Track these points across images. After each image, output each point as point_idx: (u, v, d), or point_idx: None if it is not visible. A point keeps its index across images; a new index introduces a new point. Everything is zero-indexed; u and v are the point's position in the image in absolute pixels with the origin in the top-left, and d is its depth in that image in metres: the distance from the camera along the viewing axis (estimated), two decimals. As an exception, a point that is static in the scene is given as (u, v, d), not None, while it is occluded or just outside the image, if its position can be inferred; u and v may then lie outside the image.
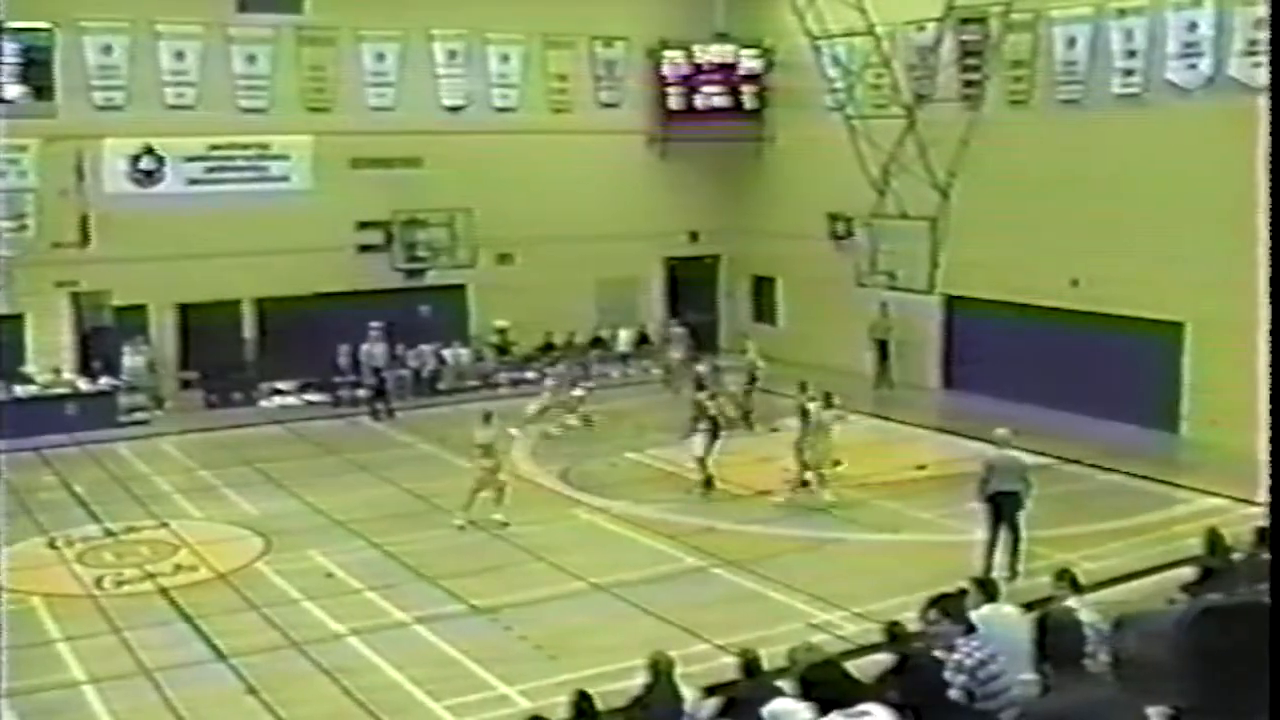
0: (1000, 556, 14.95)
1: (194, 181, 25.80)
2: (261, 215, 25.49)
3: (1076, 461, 20.08)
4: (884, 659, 8.70)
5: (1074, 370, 22.71)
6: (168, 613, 14.81)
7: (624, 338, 29.79)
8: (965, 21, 24.12)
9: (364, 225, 26.89)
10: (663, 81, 29.94)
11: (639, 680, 9.43)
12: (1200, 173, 20.32)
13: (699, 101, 30.05)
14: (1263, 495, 13.57)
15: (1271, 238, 13.19)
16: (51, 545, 17.29)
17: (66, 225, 24.11)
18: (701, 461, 19.51)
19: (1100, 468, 20.04)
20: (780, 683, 8.07)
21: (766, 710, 7.02)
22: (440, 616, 14.49)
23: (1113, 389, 21.96)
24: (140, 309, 25.33)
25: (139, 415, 24.43)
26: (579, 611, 14.66)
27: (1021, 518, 15.13)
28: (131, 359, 24.97)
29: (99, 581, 15.84)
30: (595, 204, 28.44)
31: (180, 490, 20.11)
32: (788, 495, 18.72)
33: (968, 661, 7.80)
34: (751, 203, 30.24)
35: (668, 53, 29.90)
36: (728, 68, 30.12)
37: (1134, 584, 14.22)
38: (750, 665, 9.04)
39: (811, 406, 19.14)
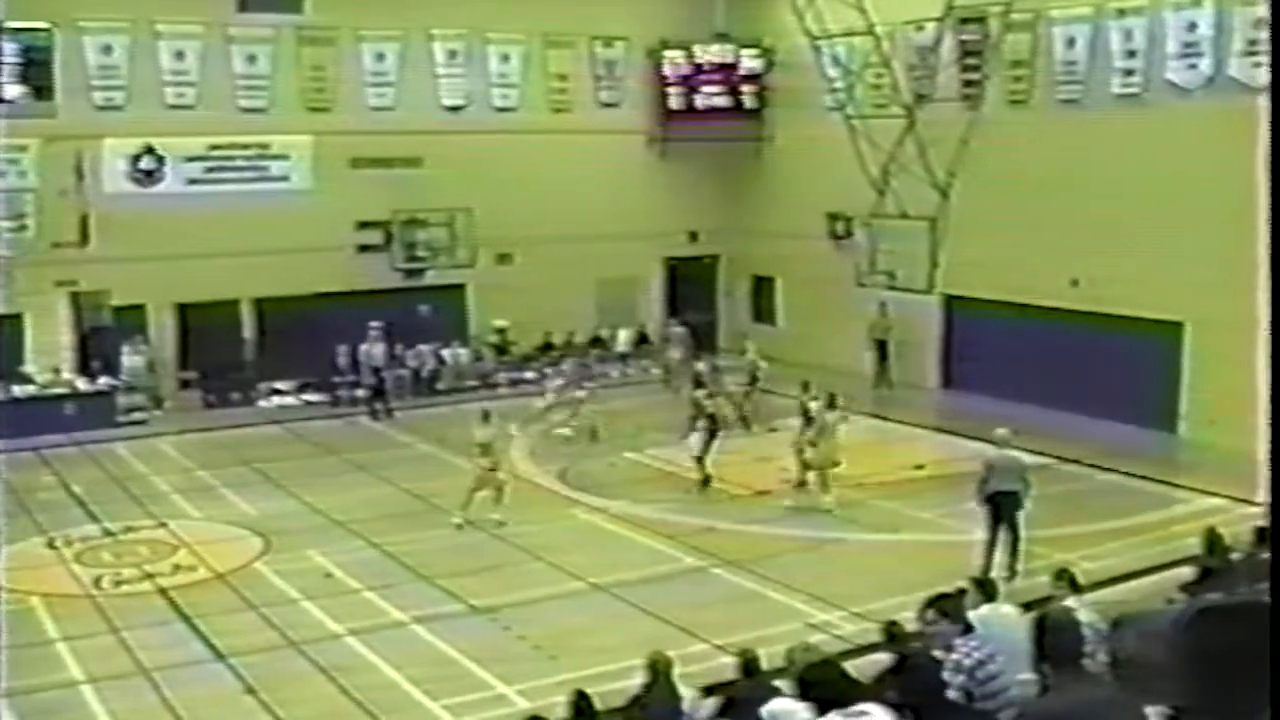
0: (1000, 556, 14.95)
1: (194, 181, 25.79)
2: (261, 215, 25.49)
3: (1075, 461, 20.08)
4: (882, 659, 8.70)
5: (1073, 370, 22.71)
6: (166, 613, 14.80)
7: (623, 337, 29.79)
8: (965, 21, 24.12)
9: (364, 225, 26.89)
10: (663, 81, 29.95)
11: (637, 680, 9.42)
12: (1200, 173, 20.32)
13: (699, 101, 30.06)
14: (1262, 495, 13.60)
15: (1271, 238, 13.19)
16: (50, 545, 17.28)
17: (66, 225, 24.11)
18: (699, 460, 19.53)
19: (1099, 467, 20.04)
20: (779, 683, 8.07)
21: (765, 710, 7.01)
22: (439, 616, 14.48)
23: (1112, 389, 21.97)
24: (139, 309, 25.33)
25: (138, 415, 24.42)
26: (578, 611, 14.66)
27: (1021, 518, 15.14)
28: (130, 359, 24.97)
29: (97, 581, 15.83)
30: (595, 204, 28.44)
31: (179, 490, 20.10)
32: (796, 498, 18.59)
33: (966, 661, 7.80)
34: (751, 202, 30.23)
35: (668, 53, 29.91)
36: (728, 68, 30.12)
37: (1133, 584, 14.21)
38: (749, 665, 9.03)
39: (813, 405, 19.14)
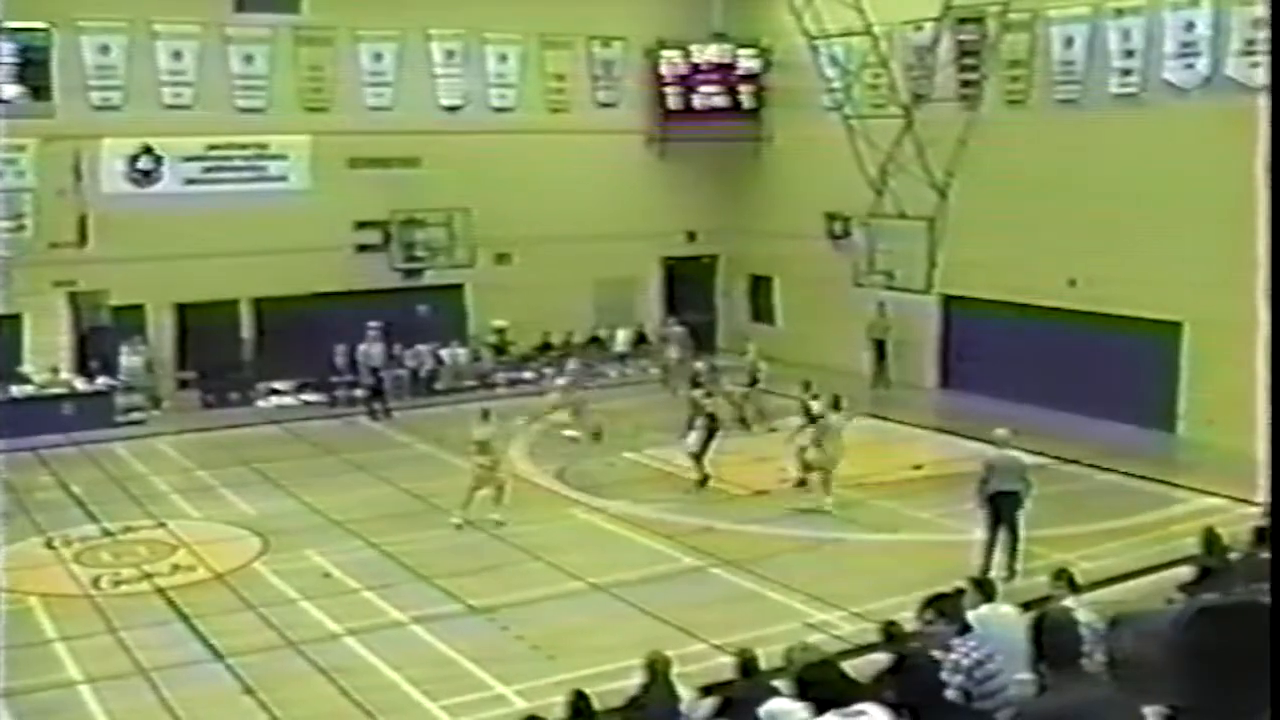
0: (999, 556, 14.96)
1: (192, 181, 25.79)
2: (259, 215, 25.47)
3: (1074, 461, 20.08)
4: (881, 659, 8.70)
5: (1071, 370, 22.71)
6: (165, 612, 14.79)
7: (621, 337, 29.79)
8: (963, 21, 24.13)
9: (362, 225, 26.88)
10: (660, 81, 29.94)
11: (636, 680, 9.42)
12: (1197, 172, 20.33)
13: (697, 101, 30.05)
14: (1261, 495, 13.62)
15: (1271, 238, 13.21)
16: (49, 545, 17.27)
17: (64, 225, 24.09)
18: (696, 458, 19.54)
19: (1098, 467, 20.04)
20: (777, 682, 8.07)
21: (763, 710, 7.02)
22: (437, 616, 14.48)
23: (1110, 389, 21.98)
24: (138, 309, 25.31)
25: (136, 415, 24.41)
26: (576, 611, 14.66)
27: (1020, 518, 15.14)
28: (129, 359, 24.95)
29: (96, 581, 15.83)
30: (593, 204, 28.44)
31: (178, 490, 20.09)
32: (810, 500, 18.46)
33: (965, 661, 7.80)
34: (749, 202, 30.24)
35: (665, 52, 29.90)
36: (725, 67, 30.11)
37: (1131, 584, 14.22)
38: (747, 665, 9.03)
39: (815, 404, 19.15)
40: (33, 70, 23.88)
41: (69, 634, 14.04)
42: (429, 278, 27.80)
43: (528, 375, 27.55)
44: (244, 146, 26.24)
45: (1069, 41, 23.22)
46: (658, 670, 9.21)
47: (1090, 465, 20.10)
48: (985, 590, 9.49)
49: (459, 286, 28.38)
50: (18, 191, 23.90)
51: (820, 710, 6.40)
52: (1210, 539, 11.56)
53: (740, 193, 30.36)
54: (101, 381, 24.49)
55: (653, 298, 30.89)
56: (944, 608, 8.58)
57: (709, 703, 8.81)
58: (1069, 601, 9.31)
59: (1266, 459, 13.81)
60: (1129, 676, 5.86)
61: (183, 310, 25.88)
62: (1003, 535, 15.07)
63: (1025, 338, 23.91)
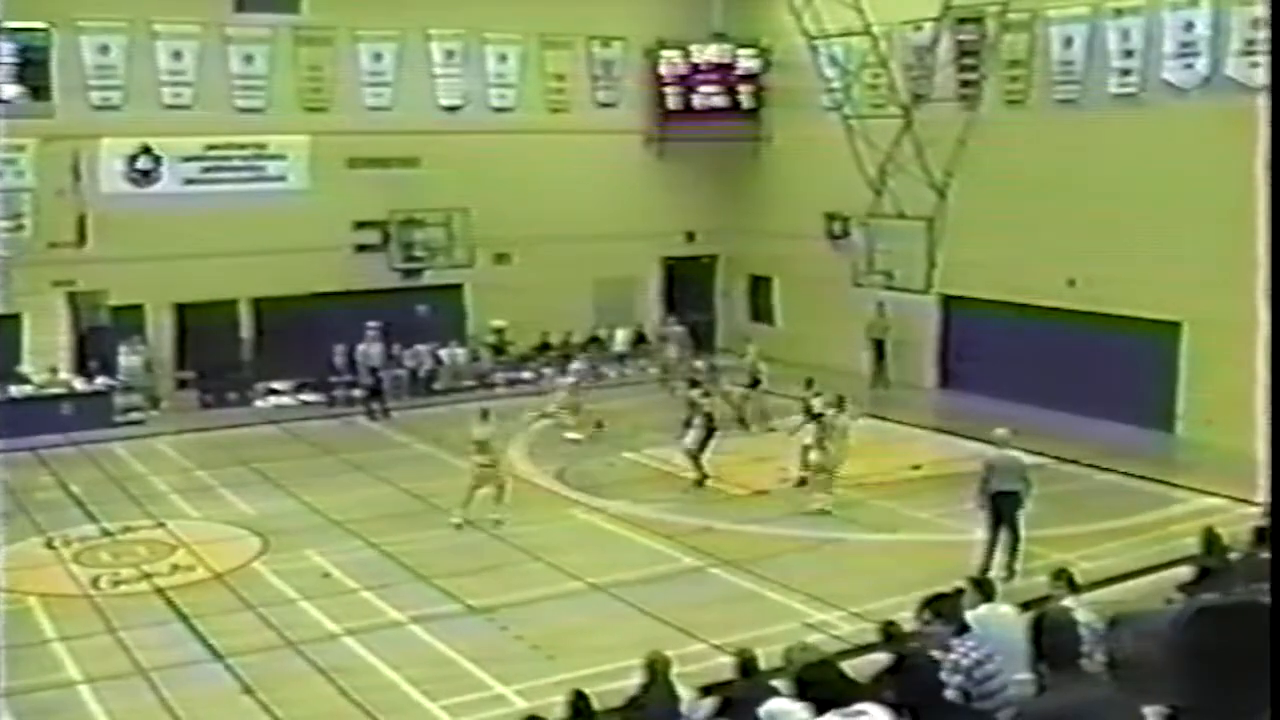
0: (999, 556, 14.96)
1: (191, 181, 25.78)
2: (258, 215, 25.47)
3: (1073, 461, 20.08)
4: (880, 659, 8.69)
5: (1071, 370, 22.71)
6: (164, 612, 14.79)
7: (621, 337, 29.79)
8: (962, 21, 24.13)
9: (361, 225, 26.88)
10: (660, 81, 29.94)
11: (635, 680, 9.42)
12: (1197, 173, 20.33)
13: (696, 101, 30.05)
14: (1261, 495, 13.62)
15: (1271, 238, 13.21)
16: (48, 545, 17.26)
17: (63, 225, 24.09)
18: (693, 456, 19.53)
19: (1097, 467, 20.04)
20: (776, 682, 8.06)
21: (763, 710, 7.01)
22: (437, 616, 14.48)
23: (1109, 389, 21.98)
24: (137, 309, 25.31)
25: (135, 415, 24.41)
26: (576, 611, 14.66)
27: (1021, 518, 15.14)
28: (128, 359, 24.95)
29: (95, 581, 15.82)
30: (593, 204, 28.44)
31: (177, 490, 20.09)
32: (823, 501, 18.34)
33: (964, 661, 7.80)
34: (749, 202, 30.23)
35: (665, 52, 29.90)
36: (725, 67, 30.11)
37: (1131, 584, 14.22)
38: (747, 665, 9.03)
39: (816, 402, 19.16)
40: (32, 70, 23.88)
41: (68, 634, 14.04)
42: (428, 278, 27.79)
43: (526, 375, 27.56)
44: (243, 146, 26.24)
45: (1068, 41, 23.23)
46: (657, 670, 9.21)
47: (1089, 465, 20.10)
48: (984, 590, 9.49)
49: (458, 286, 28.37)
50: (17, 191, 23.90)
51: (820, 710, 6.40)
52: (1210, 539, 11.56)
53: (740, 193, 30.35)
54: (100, 381, 24.49)
55: (652, 298, 30.89)
56: (943, 608, 8.58)
57: (709, 703, 8.80)
58: (1068, 601, 9.31)
59: (1266, 459, 13.82)
60: (1128, 677, 5.86)
61: (182, 310, 25.88)
62: (1003, 535, 15.08)
63: (1025, 338, 23.91)
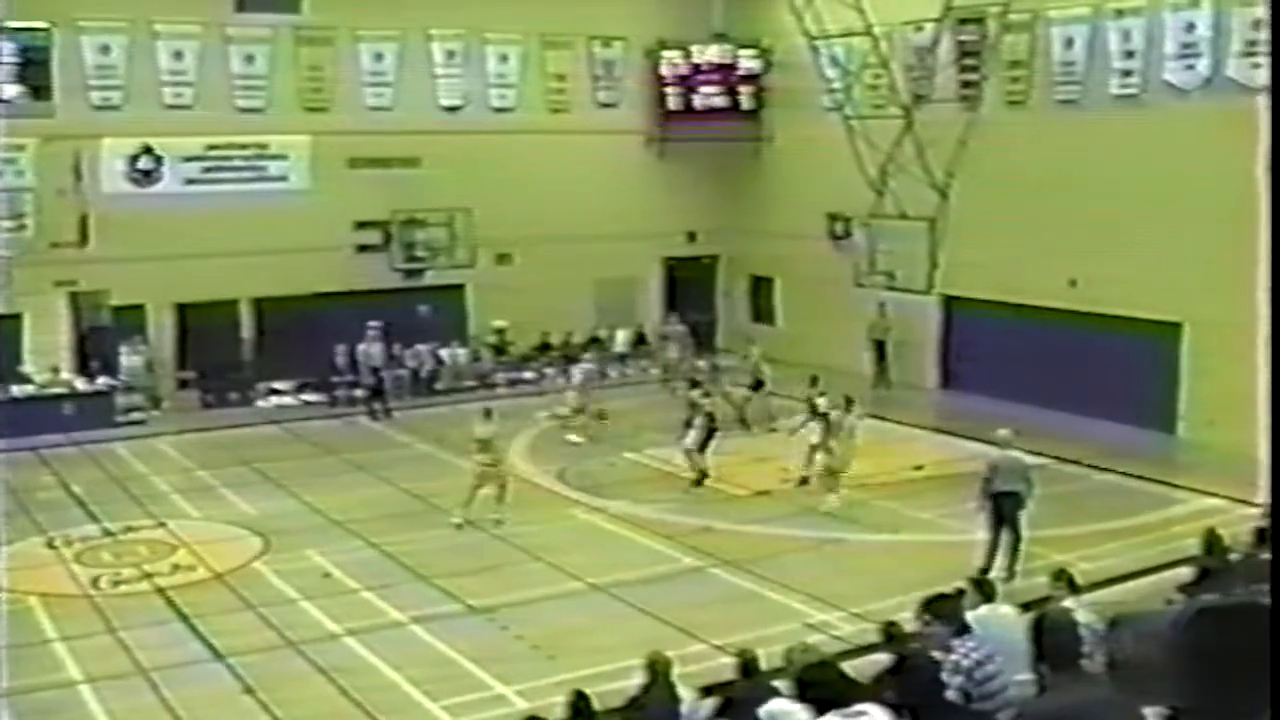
0: (1000, 557, 14.96)
1: (192, 181, 25.79)
2: (259, 215, 25.47)
3: (1074, 462, 20.07)
4: (881, 659, 8.71)
5: (1071, 370, 22.71)
6: (165, 612, 14.80)
7: (621, 338, 29.78)
8: (963, 22, 24.12)
9: (362, 225, 26.88)
10: (661, 81, 29.94)
11: (636, 680, 9.42)
12: (1197, 173, 20.32)
13: (697, 101, 30.05)
14: (1261, 495, 13.62)
15: (1271, 238, 13.21)
16: (49, 545, 17.27)
17: (65, 225, 24.09)
18: (692, 455, 19.52)
19: (1097, 468, 20.04)
20: (777, 683, 8.07)
21: (763, 710, 7.02)
22: (437, 616, 14.49)
23: (1110, 389, 21.97)
24: (138, 309, 25.32)
25: (136, 415, 24.41)
26: (576, 611, 14.66)
27: (1023, 518, 15.14)
28: (129, 359, 24.96)
29: (96, 581, 15.83)
30: (593, 204, 28.44)
31: (178, 490, 20.10)
32: (833, 503, 18.40)
33: (965, 662, 7.81)
34: (749, 203, 30.23)
35: (666, 53, 29.90)
36: (726, 68, 30.11)
37: (1131, 584, 14.22)
38: (747, 665, 9.03)
39: (821, 401, 19.17)
40: (33, 70, 23.87)
41: (69, 634, 14.04)
42: (429, 278, 27.79)
43: (528, 375, 27.56)
44: (244, 146, 26.25)
45: (1069, 42, 23.22)
46: (658, 670, 9.21)
47: (1090, 466, 20.10)
48: (985, 591, 9.49)
49: (459, 287, 28.37)
50: (18, 191, 23.90)
51: (820, 711, 6.41)
52: (1210, 540, 11.54)
53: (740, 193, 30.35)
54: (102, 381, 24.50)
55: (653, 298, 30.89)
56: (944, 609, 8.58)
57: (709, 703, 8.81)
58: (1069, 602, 9.32)
59: (1266, 459, 13.83)
60: (1129, 677, 5.86)
61: (183, 310, 25.89)
62: (1005, 536, 15.07)
63: (1026, 338, 23.90)
